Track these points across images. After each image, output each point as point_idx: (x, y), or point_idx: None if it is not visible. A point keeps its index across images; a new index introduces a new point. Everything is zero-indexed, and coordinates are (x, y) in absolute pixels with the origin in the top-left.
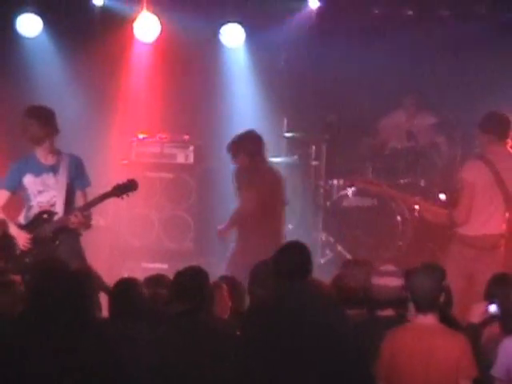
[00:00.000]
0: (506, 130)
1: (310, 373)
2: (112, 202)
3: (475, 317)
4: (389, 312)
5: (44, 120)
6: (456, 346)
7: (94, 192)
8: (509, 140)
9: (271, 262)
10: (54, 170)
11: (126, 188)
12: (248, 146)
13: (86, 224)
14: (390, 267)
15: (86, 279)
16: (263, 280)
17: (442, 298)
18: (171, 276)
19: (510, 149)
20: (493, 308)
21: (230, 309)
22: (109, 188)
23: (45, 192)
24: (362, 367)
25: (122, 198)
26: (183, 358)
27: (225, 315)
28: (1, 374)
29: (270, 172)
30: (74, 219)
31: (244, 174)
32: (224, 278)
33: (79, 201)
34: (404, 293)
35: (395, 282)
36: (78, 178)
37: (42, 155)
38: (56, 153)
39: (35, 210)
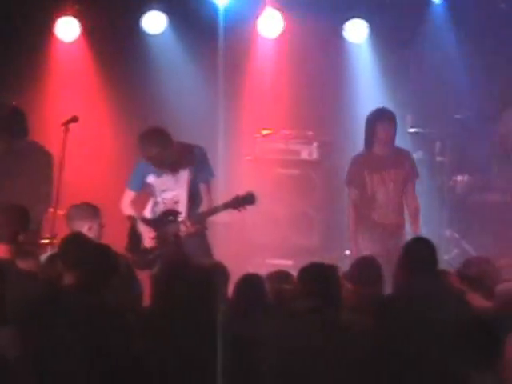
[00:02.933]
0: None
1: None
2: None
3: None
4: None
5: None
6: None
7: (219, 188)
8: None
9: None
10: (173, 169)
11: (244, 201)
12: None
13: (197, 233)
14: None
15: (216, 275)
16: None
17: None
18: (295, 272)
19: None
20: None
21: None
22: (229, 197)
23: (168, 191)
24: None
25: (240, 211)
26: (310, 357)
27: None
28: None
29: None
30: (183, 228)
31: None
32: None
33: (204, 194)
34: None
35: None
36: (201, 170)
37: None
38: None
39: (161, 207)
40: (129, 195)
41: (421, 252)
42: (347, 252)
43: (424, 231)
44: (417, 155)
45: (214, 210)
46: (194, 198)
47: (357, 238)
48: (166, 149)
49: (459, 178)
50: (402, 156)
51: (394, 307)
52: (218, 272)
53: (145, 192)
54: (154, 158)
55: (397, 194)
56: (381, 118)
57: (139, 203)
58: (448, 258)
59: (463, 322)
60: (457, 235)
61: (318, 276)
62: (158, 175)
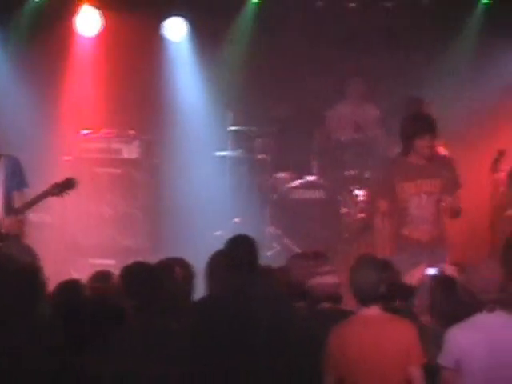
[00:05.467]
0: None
1: (260, 364)
2: (57, 198)
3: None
4: (326, 305)
5: None
6: (404, 333)
7: (38, 190)
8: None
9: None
10: None
11: (64, 186)
12: None
13: (19, 227)
14: (327, 267)
15: (36, 275)
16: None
17: (382, 289)
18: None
19: None
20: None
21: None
22: (47, 186)
23: None
24: (309, 360)
25: (62, 197)
26: (135, 356)
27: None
28: None
29: None
30: (6, 222)
31: None
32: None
33: (17, 202)
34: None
35: (333, 279)
36: (14, 179)
37: None
38: None
39: None
40: None
41: (239, 249)
42: None
43: (245, 228)
44: (237, 153)
45: (34, 200)
46: (8, 203)
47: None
48: None
49: (280, 175)
50: (440, 164)
51: (210, 306)
52: (38, 273)
53: None
54: None
55: (432, 205)
56: (421, 135)
57: None
58: (270, 254)
59: (281, 320)
60: (279, 232)
61: (139, 275)
62: None
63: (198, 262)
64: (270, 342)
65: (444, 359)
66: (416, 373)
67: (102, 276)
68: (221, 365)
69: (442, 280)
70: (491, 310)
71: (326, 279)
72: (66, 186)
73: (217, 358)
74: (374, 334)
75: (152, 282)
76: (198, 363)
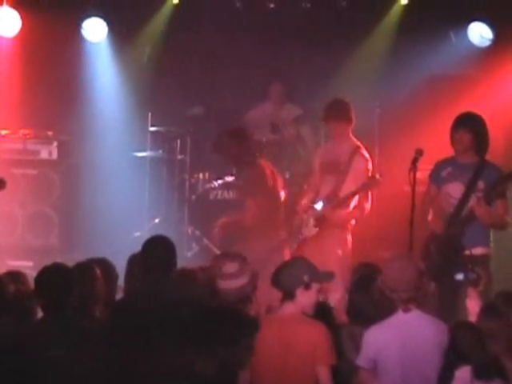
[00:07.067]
0: None
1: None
2: None
3: None
4: None
5: None
6: (314, 333)
7: None
8: None
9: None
10: None
11: None
12: None
13: None
14: (232, 267)
15: None
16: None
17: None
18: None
19: None
20: None
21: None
22: None
23: None
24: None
25: None
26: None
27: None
28: None
29: None
30: None
31: None
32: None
33: None
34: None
35: (240, 282)
36: None
37: None
38: None
39: None
40: None
41: (155, 251)
42: None
43: (165, 229)
44: (157, 154)
45: None
46: None
47: None
48: None
49: (199, 175)
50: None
51: (119, 307)
52: None
53: None
54: None
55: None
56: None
57: None
58: (190, 254)
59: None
60: (198, 232)
61: (51, 275)
62: None
63: (118, 262)
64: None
65: (361, 359)
66: (323, 373)
67: (13, 276)
68: (125, 363)
69: (358, 280)
70: (406, 310)
71: (229, 284)
72: None
73: (122, 356)
74: (286, 332)
75: (64, 282)
76: (105, 361)
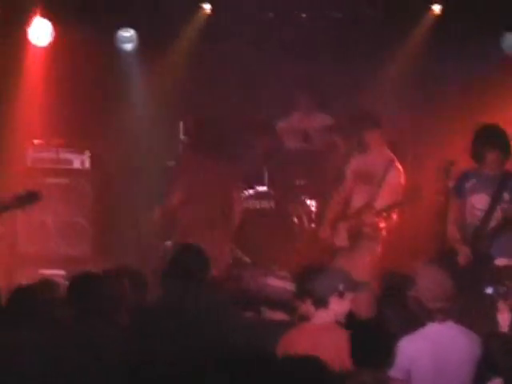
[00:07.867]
0: None
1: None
2: None
3: None
4: (281, 316)
5: None
6: (339, 342)
7: None
8: None
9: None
10: None
11: (27, 199)
12: None
13: None
14: (284, 272)
15: None
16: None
17: None
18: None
19: None
20: None
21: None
22: (8, 198)
23: None
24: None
25: (23, 209)
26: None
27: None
28: None
29: None
30: None
31: None
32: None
33: None
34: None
35: (289, 286)
36: None
37: None
38: None
39: None
40: None
41: (186, 259)
42: None
43: None
44: None
45: None
46: None
47: None
48: None
49: None
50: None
51: (145, 315)
52: None
53: None
54: None
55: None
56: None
57: None
58: None
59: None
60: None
61: (84, 286)
62: None
63: (149, 271)
64: (207, 350)
65: (395, 370)
66: None
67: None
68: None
69: (387, 289)
70: (441, 321)
71: (281, 283)
72: (30, 199)
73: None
74: (313, 342)
75: (95, 291)
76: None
